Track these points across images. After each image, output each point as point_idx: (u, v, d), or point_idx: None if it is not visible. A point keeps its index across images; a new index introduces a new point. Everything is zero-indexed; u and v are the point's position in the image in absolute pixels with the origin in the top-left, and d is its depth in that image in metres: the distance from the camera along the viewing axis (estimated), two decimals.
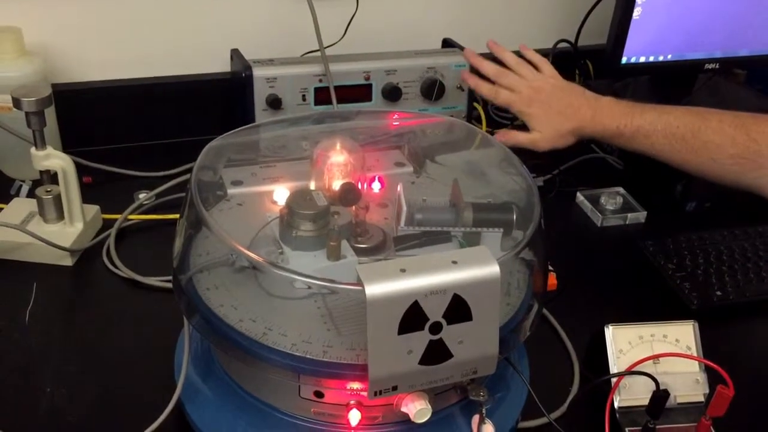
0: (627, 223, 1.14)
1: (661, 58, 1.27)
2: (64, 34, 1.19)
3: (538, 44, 1.24)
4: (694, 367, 0.77)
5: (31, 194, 1.07)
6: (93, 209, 1.03)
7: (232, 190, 0.78)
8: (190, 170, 0.73)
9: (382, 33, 1.34)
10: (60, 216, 0.98)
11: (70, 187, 0.95)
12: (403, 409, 0.63)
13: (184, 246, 0.71)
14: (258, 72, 1.15)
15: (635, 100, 1.07)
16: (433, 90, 1.24)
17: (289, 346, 0.62)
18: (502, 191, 0.79)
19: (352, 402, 0.64)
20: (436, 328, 0.58)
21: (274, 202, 0.75)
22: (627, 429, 0.75)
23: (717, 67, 1.31)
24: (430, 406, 0.63)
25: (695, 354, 0.78)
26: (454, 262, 0.58)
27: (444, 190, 0.77)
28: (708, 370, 0.77)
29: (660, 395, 0.73)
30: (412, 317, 0.57)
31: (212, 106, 1.26)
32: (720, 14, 1.26)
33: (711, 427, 0.74)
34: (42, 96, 0.91)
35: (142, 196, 1.09)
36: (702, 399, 0.77)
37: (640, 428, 0.75)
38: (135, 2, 1.20)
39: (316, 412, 0.66)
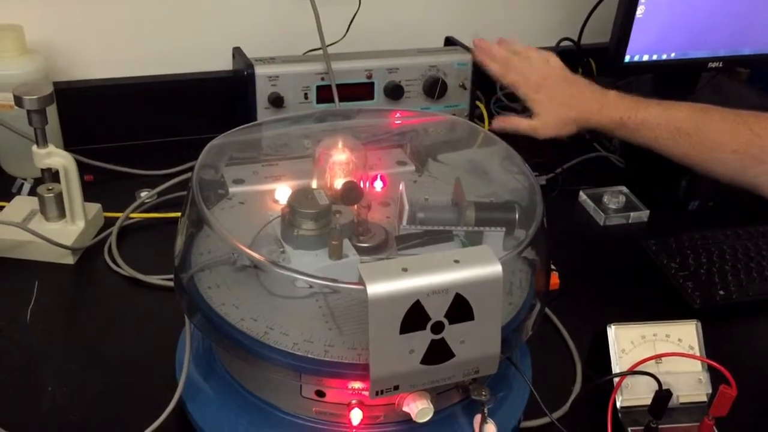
0: (630, 222, 1.14)
1: (664, 57, 1.27)
2: (65, 32, 1.19)
3: (541, 42, 1.24)
4: (696, 366, 0.77)
5: (32, 192, 1.07)
6: (94, 207, 1.03)
7: (233, 189, 0.78)
8: (191, 169, 0.72)
9: (384, 31, 1.33)
10: (61, 214, 0.98)
11: (71, 185, 0.95)
12: (405, 408, 0.63)
13: (186, 244, 0.71)
14: (260, 70, 1.15)
15: None
16: (435, 88, 1.23)
17: (291, 345, 0.62)
18: (505, 190, 0.78)
19: (353, 401, 0.64)
20: (438, 327, 0.58)
21: (276, 201, 0.75)
22: (629, 429, 0.75)
23: (720, 65, 1.30)
24: (431, 406, 0.62)
25: (698, 354, 0.77)
26: (456, 262, 0.57)
27: (446, 189, 0.77)
28: (711, 369, 0.76)
29: (662, 395, 0.73)
30: (414, 317, 0.56)
31: (214, 104, 1.26)
32: (723, 13, 1.25)
33: (714, 427, 0.74)
34: (43, 94, 0.91)
35: (143, 194, 1.09)
36: (705, 399, 0.77)
37: (642, 428, 0.74)
38: (137, 0, 1.20)
39: (318, 412, 0.66)
